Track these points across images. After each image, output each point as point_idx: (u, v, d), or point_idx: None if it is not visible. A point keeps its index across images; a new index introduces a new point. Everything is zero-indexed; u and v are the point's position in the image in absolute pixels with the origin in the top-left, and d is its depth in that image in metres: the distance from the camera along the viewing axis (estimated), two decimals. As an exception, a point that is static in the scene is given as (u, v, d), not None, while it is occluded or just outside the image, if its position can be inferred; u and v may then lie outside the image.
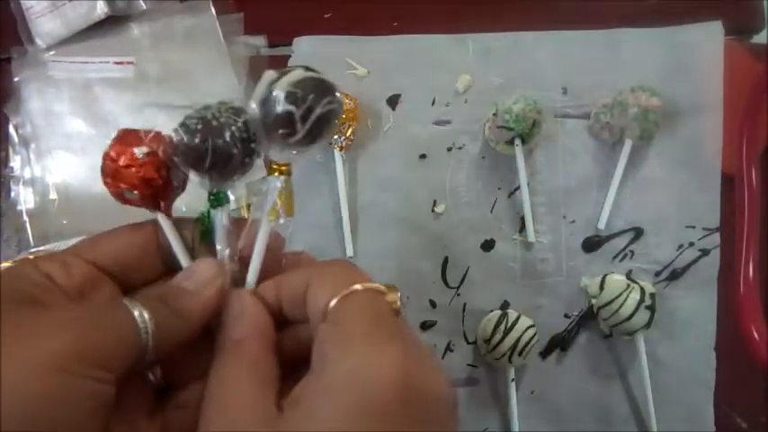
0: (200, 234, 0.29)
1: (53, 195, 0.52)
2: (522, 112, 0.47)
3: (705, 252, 0.49)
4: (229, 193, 0.29)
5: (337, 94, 0.26)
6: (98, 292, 0.26)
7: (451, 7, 0.54)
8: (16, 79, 0.53)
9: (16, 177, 0.53)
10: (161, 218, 0.29)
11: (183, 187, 0.29)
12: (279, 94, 0.25)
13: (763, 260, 0.49)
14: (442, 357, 0.49)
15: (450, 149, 0.51)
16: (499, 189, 0.51)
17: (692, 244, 0.49)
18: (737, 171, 0.50)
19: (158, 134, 0.28)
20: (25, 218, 0.52)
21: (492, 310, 0.49)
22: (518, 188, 0.49)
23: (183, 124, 0.27)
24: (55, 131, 0.53)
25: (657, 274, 0.49)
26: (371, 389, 0.21)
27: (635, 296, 0.46)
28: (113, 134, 0.29)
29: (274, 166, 0.28)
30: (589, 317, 0.49)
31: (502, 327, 0.46)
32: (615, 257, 0.50)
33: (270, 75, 0.26)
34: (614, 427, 0.49)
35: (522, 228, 0.50)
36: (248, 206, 0.52)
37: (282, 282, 0.28)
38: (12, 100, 0.53)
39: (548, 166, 0.51)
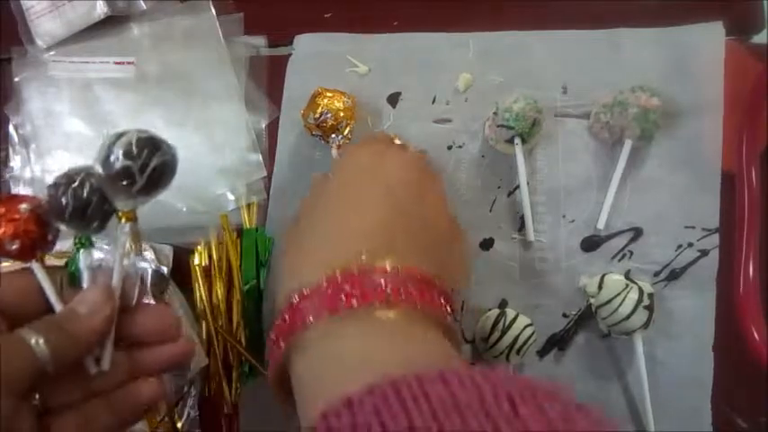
0: (69, 278, 0.36)
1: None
2: (522, 112, 0.47)
3: (704, 252, 0.49)
4: (93, 237, 0.39)
5: (167, 147, 0.32)
6: None
7: (452, 7, 0.54)
8: (16, 79, 0.54)
9: (16, 177, 0.53)
10: (35, 266, 0.33)
11: (54, 241, 0.34)
12: (119, 151, 0.31)
13: (763, 260, 0.49)
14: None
15: (450, 148, 0.51)
16: (499, 188, 0.51)
17: (691, 244, 0.49)
18: (737, 171, 0.49)
19: (34, 197, 0.34)
20: (26, 217, 0.52)
21: (490, 309, 0.49)
22: (517, 187, 0.49)
23: (52, 184, 0.33)
24: (55, 131, 0.53)
25: (656, 274, 0.49)
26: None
27: (633, 296, 0.46)
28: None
29: (121, 214, 0.34)
30: (587, 316, 0.49)
31: (500, 325, 0.46)
32: (614, 257, 0.50)
33: (108, 137, 0.32)
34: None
35: (522, 227, 0.50)
36: (249, 206, 0.52)
37: None
38: (12, 100, 0.54)
39: (547, 165, 0.51)
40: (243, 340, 0.49)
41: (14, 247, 0.32)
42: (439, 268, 0.35)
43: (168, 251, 0.50)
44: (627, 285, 0.46)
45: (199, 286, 0.49)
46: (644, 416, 0.47)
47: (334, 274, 0.32)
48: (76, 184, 0.32)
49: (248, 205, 0.52)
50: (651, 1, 0.53)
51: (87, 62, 0.54)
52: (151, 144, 0.32)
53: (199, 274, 0.49)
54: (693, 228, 0.49)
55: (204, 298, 0.49)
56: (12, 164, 0.53)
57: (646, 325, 0.46)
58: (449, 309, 0.34)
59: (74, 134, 0.53)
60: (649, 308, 0.46)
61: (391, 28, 0.54)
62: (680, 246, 0.49)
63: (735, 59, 0.51)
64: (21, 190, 0.53)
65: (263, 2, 0.55)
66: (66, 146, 0.53)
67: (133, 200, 0.33)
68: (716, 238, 0.49)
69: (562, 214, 0.50)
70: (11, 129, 0.53)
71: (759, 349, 0.47)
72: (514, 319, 0.47)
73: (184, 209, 0.51)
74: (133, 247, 0.34)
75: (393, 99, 0.52)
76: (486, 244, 0.50)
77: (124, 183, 0.31)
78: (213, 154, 0.52)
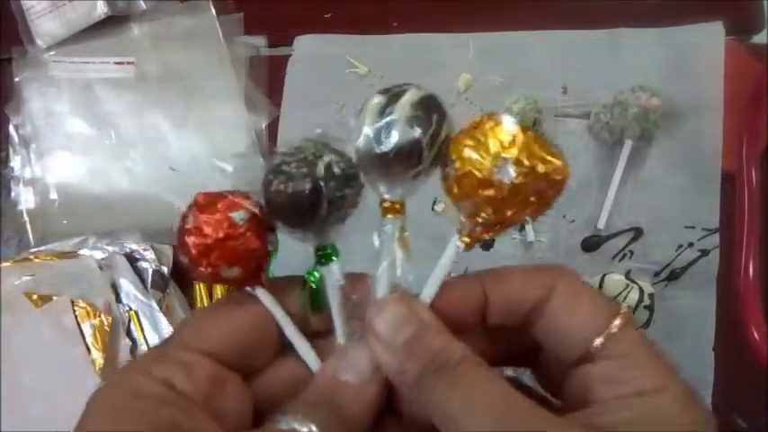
0: (310, 301, 0.24)
1: (53, 195, 0.52)
2: (522, 112, 0.47)
3: (704, 252, 0.49)
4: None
5: (448, 112, 0.23)
6: (226, 396, 0.22)
7: (452, 7, 0.54)
8: (17, 79, 0.54)
9: (16, 177, 0.53)
10: (262, 293, 0.23)
11: (276, 251, 0.24)
12: (398, 118, 0.21)
13: (763, 260, 0.49)
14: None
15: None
16: (499, 189, 0.51)
17: (691, 244, 0.49)
18: (737, 171, 0.49)
19: (243, 193, 0.23)
20: (25, 218, 0.52)
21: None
22: (518, 188, 0.49)
23: (278, 171, 0.21)
24: (55, 132, 0.53)
25: (657, 274, 0.49)
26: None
27: (634, 296, 0.46)
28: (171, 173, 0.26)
29: (387, 205, 0.23)
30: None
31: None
32: (614, 257, 0.50)
33: (378, 99, 0.22)
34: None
35: (522, 227, 0.50)
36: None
37: (496, 292, 0.24)
38: (12, 100, 0.54)
39: (547, 165, 0.51)
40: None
41: (234, 274, 0.22)
42: None
43: (168, 251, 0.50)
44: (627, 285, 0.46)
45: (199, 286, 0.49)
46: (644, 416, 0.47)
47: None
48: (321, 169, 0.22)
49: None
50: (651, 1, 0.53)
51: (87, 62, 0.54)
52: (438, 106, 0.22)
53: (199, 274, 0.49)
54: (693, 228, 0.49)
55: (204, 298, 0.49)
56: (12, 164, 0.53)
57: (646, 325, 0.46)
58: None
59: (74, 134, 0.53)
60: (650, 308, 0.46)
61: (391, 28, 0.54)
62: (680, 246, 0.49)
63: (735, 59, 0.51)
64: (21, 190, 0.53)
65: (263, 2, 0.55)
66: (67, 146, 0.53)
67: (410, 183, 0.23)
68: (716, 238, 0.49)
69: (562, 214, 0.50)
70: (11, 129, 0.53)
71: (759, 349, 0.47)
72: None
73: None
74: (404, 252, 0.24)
75: (393, 99, 0.52)
76: (487, 244, 0.50)
77: (405, 162, 0.22)
78: (213, 154, 0.52)
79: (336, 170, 0.22)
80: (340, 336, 0.24)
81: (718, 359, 0.48)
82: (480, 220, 0.22)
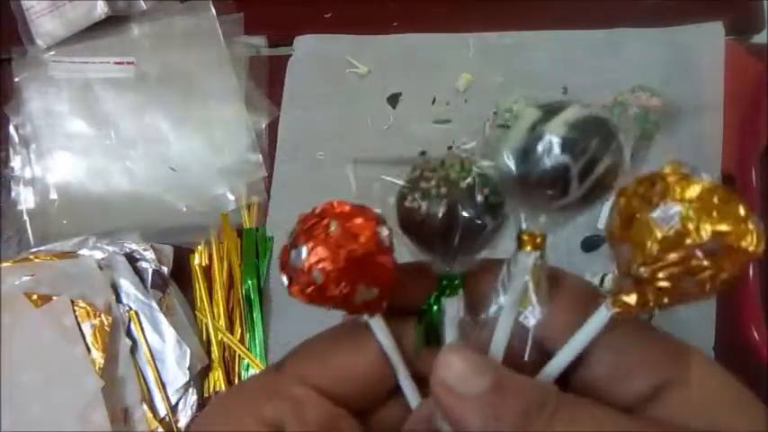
0: (422, 335, 0.21)
1: (53, 195, 0.52)
2: (522, 112, 0.47)
3: (704, 252, 0.49)
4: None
5: (620, 138, 0.20)
6: None
7: (451, 7, 0.54)
8: (17, 80, 0.54)
9: (16, 177, 0.53)
10: (377, 324, 0.20)
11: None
12: (552, 139, 0.18)
13: (763, 260, 0.49)
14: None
15: (450, 148, 0.51)
16: (499, 189, 0.51)
17: (691, 244, 0.49)
18: (737, 171, 0.49)
19: (373, 212, 0.20)
20: (25, 218, 0.52)
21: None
22: (518, 188, 0.49)
23: (416, 186, 0.19)
24: (55, 132, 0.53)
25: (657, 274, 0.49)
26: None
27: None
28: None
29: (526, 237, 0.20)
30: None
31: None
32: (615, 257, 0.49)
33: (531, 113, 0.20)
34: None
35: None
36: (249, 206, 0.52)
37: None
38: (12, 100, 0.54)
39: (547, 165, 0.51)
40: (243, 340, 0.49)
41: (370, 297, 0.19)
42: None
43: (168, 251, 0.50)
44: (627, 285, 0.46)
45: (199, 286, 0.49)
46: (644, 416, 0.47)
47: None
48: (463, 192, 0.19)
49: (248, 205, 0.52)
50: (651, 1, 0.53)
51: (87, 62, 0.54)
52: (603, 130, 0.19)
53: (199, 274, 0.49)
54: (693, 228, 0.49)
55: (204, 298, 0.49)
56: (12, 164, 0.53)
57: (646, 325, 0.46)
58: None
59: (74, 134, 0.53)
60: (650, 308, 0.46)
61: (391, 28, 0.54)
62: (680, 246, 0.49)
63: (735, 59, 0.51)
64: (21, 190, 0.53)
65: (263, 2, 0.55)
66: (67, 146, 0.53)
67: (555, 216, 0.20)
68: (716, 238, 0.49)
69: (562, 214, 0.50)
70: (11, 129, 0.53)
71: (759, 349, 0.47)
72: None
73: (184, 209, 0.51)
74: (536, 291, 0.20)
75: (393, 99, 0.52)
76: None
77: (548, 190, 0.19)
78: (213, 154, 0.52)
79: (479, 196, 0.19)
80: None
81: (718, 359, 0.48)
82: (659, 286, 0.18)
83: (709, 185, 0.17)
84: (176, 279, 0.50)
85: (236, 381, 0.48)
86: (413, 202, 0.19)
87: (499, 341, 0.20)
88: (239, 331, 0.49)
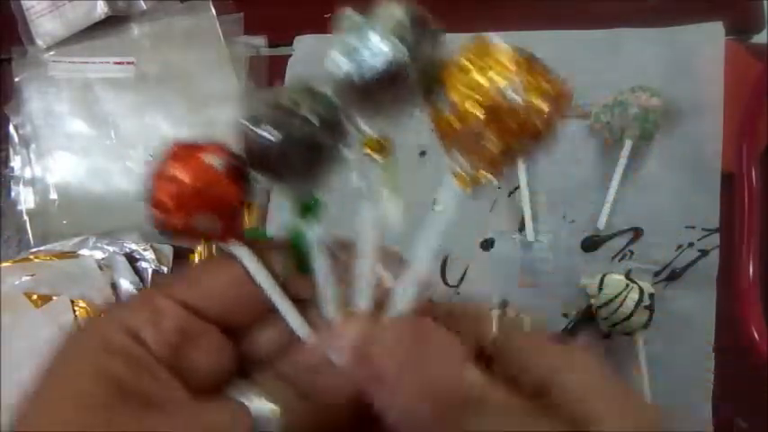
0: (296, 262, 0.22)
1: (53, 195, 0.52)
2: (521, 112, 0.47)
3: (704, 252, 0.49)
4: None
5: (439, 31, 0.20)
6: (198, 351, 0.20)
7: (452, 7, 0.54)
8: (17, 80, 0.54)
9: (16, 177, 0.53)
10: (242, 251, 0.21)
11: (258, 205, 0.23)
12: (377, 36, 0.19)
13: (764, 260, 0.49)
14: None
15: (449, 149, 0.51)
16: (499, 188, 0.51)
17: (691, 244, 0.49)
18: (737, 171, 0.49)
19: (220, 143, 0.21)
20: (25, 218, 0.52)
21: (491, 309, 0.49)
22: (518, 187, 0.49)
23: (253, 118, 0.20)
24: (55, 132, 0.53)
25: (657, 274, 0.49)
26: None
27: (634, 296, 0.46)
28: (161, 149, 0.21)
29: (370, 143, 0.21)
30: (588, 316, 0.49)
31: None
32: (614, 257, 0.50)
33: (353, 18, 0.20)
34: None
35: (522, 227, 0.50)
36: (249, 206, 0.52)
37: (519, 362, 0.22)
38: (12, 100, 0.54)
39: (548, 165, 0.51)
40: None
41: (210, 225, 0.20)
42: None
43: (168, 251, 0.50)
44: (627, 285, 0.46)
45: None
46: (644, 416, 0.47)
47: None
48: (298, 117, 0.19)
49: (248, 205, 0.52)
50: (651, 1, 0.53)
51: (87, 62, 0.54)
52: (426, 23, 0.20)
53: (199, 274, 0.49)
54: (693, 228, 0.49)
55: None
56: (12, 164, 0.53)
57: (646, 325, 0.46)
58: None
59: (74, 134, 0.53)
60: (650, 308, 0.46)
61: (391, 28, 0.54)
62: (680, 246, 0.49)
63: (735, 59, 0.51)
64: (21, 190, 0.53)
65: (263, 2, 0.55)
66: (67, 146, 0.53)
67: (395, 116, 0.21)
68: (716, 238, 0.49)
69: (562, 214, 0.50)
70: (11, 129, 0.53)
71: (759, 349, 0.47)
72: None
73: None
74: (392, 196, 0.22)
75: (393, 99, 0.52)
76: (487, 244, 0.50)
77: (387, 88, 0.19)
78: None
79: (314, 118, 0.19)
80: (326, 304, 0.22)
81: (718, 359, 0.48)
82: (485, 153, 0.20)
83: (513, 49, 0.20)
84: (176, 279, 0.50)
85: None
86: (253, 133, 0.20)
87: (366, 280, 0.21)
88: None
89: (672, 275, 0.49)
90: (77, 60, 0.54)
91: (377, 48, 0.19)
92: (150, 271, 0.49)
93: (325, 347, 0.21)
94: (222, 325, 0.21)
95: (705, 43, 0.51)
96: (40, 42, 0.53)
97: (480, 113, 0.19)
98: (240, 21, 0.55)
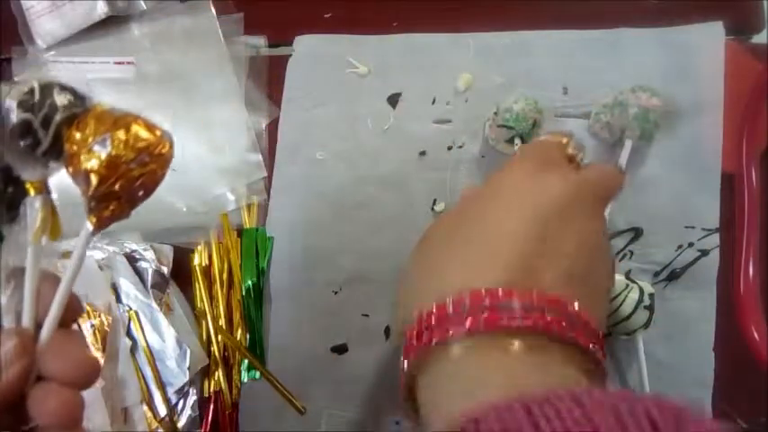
0: None
1: (53, 195, 0.52)
2: (522, 112, 0.47)
3: (704, 252, 0.49)
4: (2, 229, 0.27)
5: (81, 94, 0.27)
6: None
7: (452, 7, 0.54)
8: (17, 80, 0.54)
9: (16, 177, 0.53)
10: None
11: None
12: (11, 103, 0.24)
13: (763, 260, 0.49)
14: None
15: (450, 148, 0.51)
16: (499, 189, 0.51)
17: (691, 244, 0.49)
18: (737, 171, 0.49)
19: None
20: (25, 218, 0.52)
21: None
22: (518, 188, 0.49)
23: None
24: (55, 131, 0.53)
25: (657, 274, 0.49)
26: None
27: (634, 296, 0.46)
28: None
29: (28, 185, 0.27)
30: (588, 317, 0.49)
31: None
32: (614, 257, 0.50)
33: (2, 89, 0.25)
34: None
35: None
36: (249, 206, 0.52)
37: None
38: (12, 100, 0.54)
39: (547, 165, 0.51)
40: (243, 340, 0.49)
41: None
42: (586, 304, 0.30)
43: (168, 251, 0.50)
44: (627, 285, 0.46)
45: (199, 286, 0.49)
46: (644, 416, 0.47)
47: (479, 291, 0.28)
48: None
49: (248, 205, 0.52)
50: (651, 1, 0.53)
51: (87, 62, 0.54)
52: (55, 91, 0.26)
53: (199, 274, 0.49)
54: (693, 228, 0.49)
55: (204, 298, 0.49)
56: (12, 164, 0.53)
57: (646, 325, 0.46)
58: (596, 347, 0.29)
59: (74, 134, 0.53)
60: (650, 308, 0.46)
61: (391, 28, 0.54)
62: (680, 246, 0.49)
63: (735, 59, 0.51)
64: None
65: (263, 2, 0.55)
66: (67, 146, 0.53)
67: (42, 163, 0.26)
68: (716, 238, 0.49)
69: (562, 214, 0.50)
70: (11, 129, 0.53)
71: (759, 349, 0.47)
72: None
73: (184, 209, 0.51)
74: (46, 231, 0.27)
75: (393, 99, 0.52)
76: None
77: (24, 144, 0.25)
78: (213, 154, 0.52)
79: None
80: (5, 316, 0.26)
81: (718, 359, 0.48)
82: (95, 195, 0.25)
83: (107, 110, 0.27)
84: (176, 279, 0.50)
85: (237, 381, 0.48)
86: None
87: (30, 274, 0.26)
88: (239, 331, 0.49)
89: (672, 275, 0.49)
90: (77, 60, 0.54)
91: (11, 113, 0.24)
92: (150, 271, 0.49)
93: None
94: None
95: (705, 43, 0.51)
96: (40, 42, 0.53)
97: (87, 164, 0.25)
98: (240, 21, 0.55)
